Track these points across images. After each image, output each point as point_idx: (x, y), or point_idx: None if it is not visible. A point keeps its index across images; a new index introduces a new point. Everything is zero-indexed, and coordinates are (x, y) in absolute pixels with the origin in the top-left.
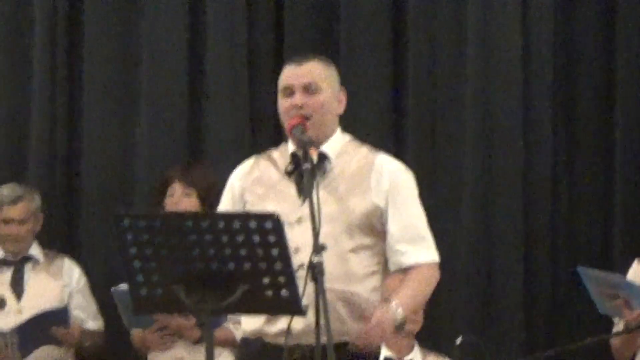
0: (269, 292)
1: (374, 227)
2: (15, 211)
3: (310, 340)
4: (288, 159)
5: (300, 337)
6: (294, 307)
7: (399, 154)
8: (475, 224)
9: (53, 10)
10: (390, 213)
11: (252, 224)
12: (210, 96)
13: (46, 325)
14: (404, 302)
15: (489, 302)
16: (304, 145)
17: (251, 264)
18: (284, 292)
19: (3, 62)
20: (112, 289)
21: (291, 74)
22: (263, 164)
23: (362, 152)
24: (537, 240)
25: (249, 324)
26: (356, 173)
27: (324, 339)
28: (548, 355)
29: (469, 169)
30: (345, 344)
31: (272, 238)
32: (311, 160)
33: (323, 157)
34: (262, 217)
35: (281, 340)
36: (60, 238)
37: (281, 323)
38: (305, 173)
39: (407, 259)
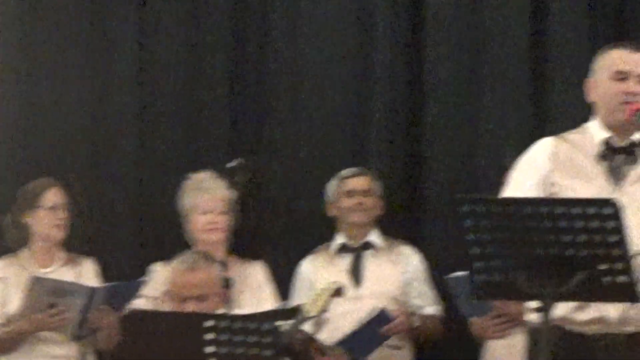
0: (606, 279)
1: None
2: (358, 182)
3: (624, 329)
4: (595, 144)
5: (613, 326)
6: (630, 294)
7: None
8: None
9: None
10: None
11: (591, 210)
12: (554, 81)
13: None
14: None
15: None
16: None
17: (589, 250)
18: (621, 278)
19: (345, 54)
20: (447, 276)
21: (627, 60)
22: (564, 146)
23: None
24: None
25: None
26: None
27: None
28: None
29: None
30: None
31: (611, 224)
32: None
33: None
34: (602, 203)
35: (589, 329)
36: (400, 226)
37: (592, 311)
38: None
39: None
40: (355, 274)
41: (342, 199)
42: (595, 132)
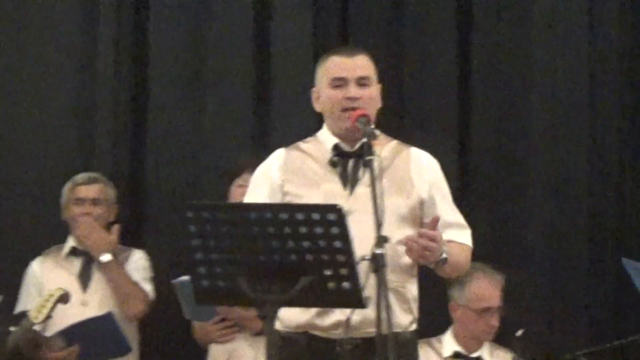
0: (331, 284)
1: (417, 218)
2: (88, 191)
3: (364, 332)
4: (326, 151)
5: (354, 330)
6: (355, 300)
7: (464, 148)
8: (543, 215)
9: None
10: (436, 203)
11: (316, 216)
12: (277, 85)
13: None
14: (450, 252)
15: (553, 295)
16: (368, 136)
17: (314, 256)
18: (345, 285)
19: (69, 54)
20: (173, 280)
21: (344, 66)
22: (296, 155)
23: (395, 146)
24: (604, 232)
25: (295, 317)
26: (397, 166)
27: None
28: (614, 346)
29: (537, 165)
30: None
31: (335, 230)
32: (375, 152)
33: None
34: (326, 209)
35: (333, 334)
36: (124, 230)
37: (335, 316)
38: (370, 165)
39: (458, 239)
40: (83, 279)
41: (71, 206)
42: (325, 139)
